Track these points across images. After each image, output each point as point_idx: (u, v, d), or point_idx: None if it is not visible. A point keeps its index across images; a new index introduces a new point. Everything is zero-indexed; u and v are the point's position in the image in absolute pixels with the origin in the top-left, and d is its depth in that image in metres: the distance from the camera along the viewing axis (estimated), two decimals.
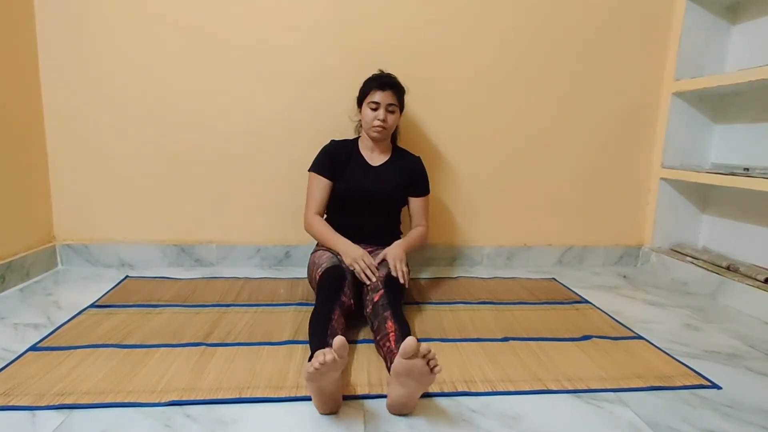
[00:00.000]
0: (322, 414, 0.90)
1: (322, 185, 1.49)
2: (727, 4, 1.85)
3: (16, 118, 1.60)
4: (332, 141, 1.57)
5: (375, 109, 1.45)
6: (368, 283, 1.29)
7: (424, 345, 0.86)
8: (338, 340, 0.85)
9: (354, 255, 1.35)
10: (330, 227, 1.46)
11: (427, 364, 0.86)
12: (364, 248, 1.43)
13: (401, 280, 1.30)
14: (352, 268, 1.32)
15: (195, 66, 1.73)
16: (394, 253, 1.38)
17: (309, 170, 1.52)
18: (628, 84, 1.93)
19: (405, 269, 1.34)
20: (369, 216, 1.51)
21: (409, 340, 0.84)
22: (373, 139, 1.51)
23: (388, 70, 1.55)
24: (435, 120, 1.86)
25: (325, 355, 0.83)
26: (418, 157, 1.61)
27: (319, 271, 1.33)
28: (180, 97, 1.75)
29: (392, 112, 1.46)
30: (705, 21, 1.86)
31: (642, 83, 1.94)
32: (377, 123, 1.44)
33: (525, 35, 1.84)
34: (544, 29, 1.84)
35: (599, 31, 1.87)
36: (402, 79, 1.52)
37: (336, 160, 1.51)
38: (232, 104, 1.77)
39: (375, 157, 1.55)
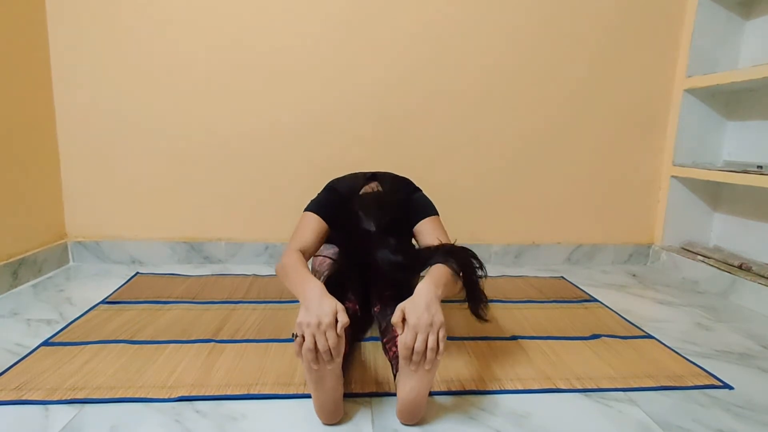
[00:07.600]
0: (325, 424, 0.88)
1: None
2: None
3: (29, 117, 1.61)
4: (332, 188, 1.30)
5: None
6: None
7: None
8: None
9: (307, 318, 0.81)
10: (303, 265, 1.01)
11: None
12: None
13: (438, 355, 0.84)
14: (294, 335, 0.82)
15: (204, 65, 1.74)
16: (427, 301, 0.87)
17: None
18: (638, 80, 1.91)
19: (443, 334, 0.85)
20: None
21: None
22: None
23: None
24: (441, 116, 1.85)
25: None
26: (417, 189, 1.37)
27: (321, 279, 1.23)
28: (189, 96, 1.76)
29: None
30: (718, 16, 1.83)
31: (653, 79, 1.92)
32: None
33: (534, 30, 1.83)
34: (554, 24, 1.83)
35: (609, 26, 1.85)
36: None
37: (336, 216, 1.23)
38: (240, 103, 1.78)
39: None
